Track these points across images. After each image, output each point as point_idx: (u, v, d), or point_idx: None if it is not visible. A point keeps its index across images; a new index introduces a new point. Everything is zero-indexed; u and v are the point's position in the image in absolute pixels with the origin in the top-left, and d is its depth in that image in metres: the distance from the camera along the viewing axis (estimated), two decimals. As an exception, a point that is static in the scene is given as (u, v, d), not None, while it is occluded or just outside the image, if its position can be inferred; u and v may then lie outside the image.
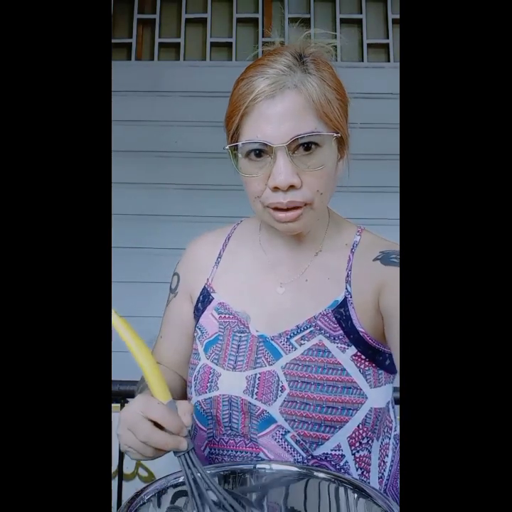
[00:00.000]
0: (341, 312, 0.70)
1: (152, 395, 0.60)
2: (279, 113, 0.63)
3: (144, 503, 0.56)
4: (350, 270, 0.72)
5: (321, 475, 0.62)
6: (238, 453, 0.72)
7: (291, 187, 0.64)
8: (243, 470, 0.64)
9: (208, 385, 0.73)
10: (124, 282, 2.11)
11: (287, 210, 0.65)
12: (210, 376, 0.73)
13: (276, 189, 0.64)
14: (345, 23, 2.43)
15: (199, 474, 0.57)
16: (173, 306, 0.84)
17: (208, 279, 0.80)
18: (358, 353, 0.69)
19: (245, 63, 0.71)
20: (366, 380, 0.69)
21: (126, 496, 0.85)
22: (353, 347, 0.69)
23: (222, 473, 0.63)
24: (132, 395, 1.32)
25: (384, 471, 0.74)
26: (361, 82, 2.19)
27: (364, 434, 0.69)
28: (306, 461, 0.68)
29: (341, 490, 0.59)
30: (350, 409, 0.67)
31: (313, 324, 0.71)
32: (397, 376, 0.73)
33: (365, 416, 0.68)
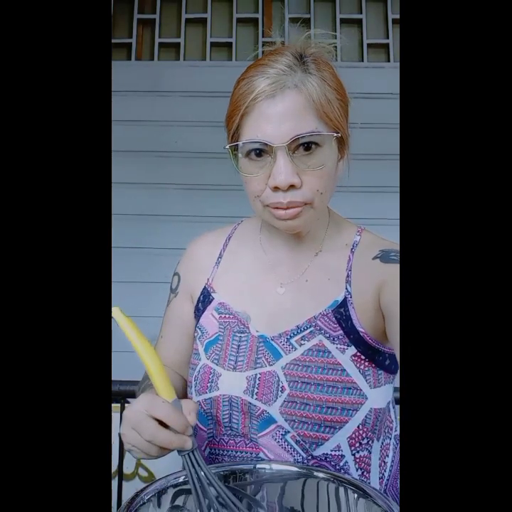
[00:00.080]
0: (341, 312, 0.70)
1: (157, 394, 0.60)
2: (279, 113, 0.63)
3: (143, 503, 0.56)
4: (350, 270, 0.72)
5: (321, 475, 0.62)
6: (238, 453, 0.72)
7: (292, 187, 0.64)
8: (243, 470, 0.64)
9: (208, 385, 0.73)
10: (124, 282, 2.10)
11: (287, 208, 0.65)
12: (210, 376, 0.73)
13: (276, 189, 0.64)
14: (345, 23, 2.43)
15: (203, 473, 0.57)
16: (173, 306, 0.84)
17: (208, 279, 0.80)
18: (358, 353, 0.69)
19: (245, 63, 0.71)
20: (366, 381, 0.69)
21: (126, 496, 0.85)
22: (352, 347, 0.69)
23: (222, 473, 0.63)
24: (133, 395, 1.33)
25: (384, 471, 0.74)
26: (361, 82, 2.19)
27: (364, 435, 0.69)
28: (306, 461, 0.68)
29: (341, 490, 0.60)
30: (350, 409, 0.67)
31: (313, 324, 0.71)
32: (398, 376, 0.73)
33: (365, 416, 0.68)
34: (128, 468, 1.80)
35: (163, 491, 0.59)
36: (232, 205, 1.51)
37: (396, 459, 0.77)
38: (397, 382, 0.68)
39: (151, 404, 0.58)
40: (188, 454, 0.58)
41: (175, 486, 0.60)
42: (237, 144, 0.67)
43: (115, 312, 0.58)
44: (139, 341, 0.59)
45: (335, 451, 0.68)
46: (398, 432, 0.78)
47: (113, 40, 2.38)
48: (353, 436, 0.68)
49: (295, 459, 0.69)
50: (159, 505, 0.59)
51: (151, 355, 0.60)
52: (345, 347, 0.69)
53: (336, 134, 0.65)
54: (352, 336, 0.69)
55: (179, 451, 0.58)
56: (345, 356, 0.69)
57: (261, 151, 0.65)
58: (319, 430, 0.67)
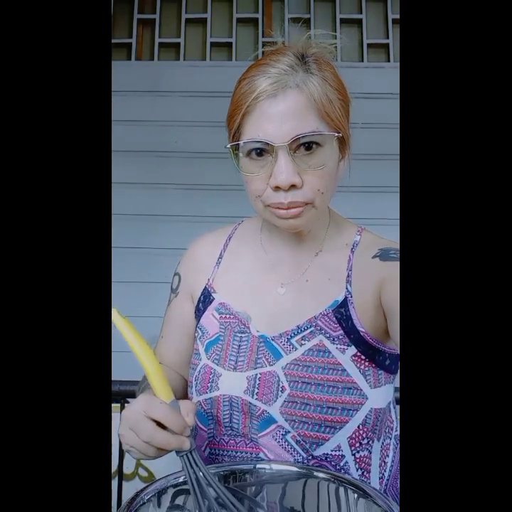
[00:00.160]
0: (342, 312, 0.70)
1: (155, 395, 0.60)
2: (280, 112, 0.63)
3: (143, 503, 0.56)
4: (350, 270, 0.72)
5: (321, 475, 0.62)
6: (238, 453, 0.72)
7: (293, 186, 0.64)
8: (243, 470, 0.64)
9: (209, 385, 0.73)
10: (124, 282, 2.10)
11: (288, 208, 0.65)
12: (210, 376, 0.73)
13: (277, 188, 0.64)
14: (345, 23, 2.43)
15: (201, 474, 0.57)
16: (174, 306, 0.84)
17: (208, 280, 0.80)
18: (358, 353, 0.69)
19: (245, 63, 0.71)
20: (366, 381, 0.69)
21: (126, 496, 0.85)
22: (353, 347, 0.69)
23: (222, 473, 0.63)
24: (132, 395, 1.33)
25: (384, 471, 0.74)
26: (361, 82, 2.19)
27: (364, 435, 0.69)
28: (306, 461, 0.68)
29: (341, 490, 0.60)
30: (350, 409, 0.67)
31: (314, 324, 0.71)
32: (398, 376, 0.73)
33: (365, 416, 0.68)
34: (128, 468, 1.80)
35: (163, 491, 0.59)
36: (232, 205, 1.51)
37: (396, 459, 0.77)
38: (397, 382, 0.68)
39: (148, 405, 0.58)
40: (187, 454, 0.58)
41: (175, 486, 0.60)
42: (238, 144, 0.67)
43: (112, 313, 0.58)
44: (136, 342, 0.59)
45: (335, 451, 0.68)
46: (399, 432, 0.78)
47: (113, 40, 2.37)
48: (354, 436, 0.68)
49: (295, 459, 0.69)
50: (159, 505, 0.59)
51: (148, 357, 0.60)
52: (346, 347, 0.69)
53: (337, 134, 0.65)
54: (352, 335, 0.69)
55: (177, 452, 0.58)
56: (346, 356, 0.69)
57: (262, 151, 0.65)
58: (319, 430, 0.67)
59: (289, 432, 0.68)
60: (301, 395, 0.68)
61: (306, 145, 0.64)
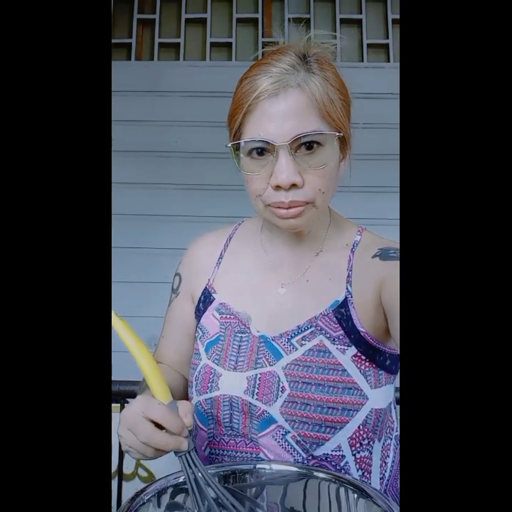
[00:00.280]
0: (342, 312, 0.70)
1: (153, 396, 0.60)
2: (281, 112, 0.63)
3: (143, 503, 0.56)
4: (350, 270, 0.72)
5: (321, 475, 0.62)
6: (238, 453, 0.72)
7: (293, 186, 0.64)
8: (243, 470, 0.64)
9: (209, 385, 0.73)
10: (124, 282, 2.10)
11: (289, 208, 0.65)
12: (210, 376, 0.73)
13: (278, 188, 0.64)
14: (345, 23, 2.43)
15: (200, 474, 0.57)
16: (174, 307, 0.84)
17: (209, 280, 0.80)
18: (359, 354, 0.69)
19: (245, 63, 0.71)
20: (367, 381, 0.69)
21: (126, 496, 0.85)
22: (353, 347, 0.69)
23: (222, 473, 0.63)
24: (133, 395, 1.33)
25: (385, 471, 0.74)
26: (361, 82, 2.19)
27: (365, 435, 0.69)
28: (306, 461, 0.68)
29: (341, 490, 0.59)
30: (350, 410, 0.67)
31: (314, 324, 0.71)
32: (398, 376, 0.73)
33: (366, 417, 0.68)
34: (128, 468, 1.80)
35: (163, 491, 0.59)
36: (232, 205, 1.51)
37: (396, 460, 0.77)
38: (397, 382, 0.68)
39: (146, 406, 0.58)
40: (185, 455, 0.58)
41: (175, 486, 0.60)
42: (238, 143, 0.66)
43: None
44: (133, 343, 0.59)
45: (335, 451, 0.68)
46: (399, 433, 0.78)
47: (113, 40, 2.37)
48: (354, 436, 0.68)
49: (295, 459, 0.69)
50: (159, 505, 0.59)
51: (145, 357, 0.60)
52: (346, 347, 0.69)
53: (338, 134, 0.66)
54: (353, 336, 0.69)
55: (176, 453, 0.58)
56: (346, 356, 0.69)
57: (263, 150, 0.65)
58: (320, 430, 0.67)
59: (289, 432, 0.68)
60: (302, 395, 0.68)
61: (307, 144, 0.64)
